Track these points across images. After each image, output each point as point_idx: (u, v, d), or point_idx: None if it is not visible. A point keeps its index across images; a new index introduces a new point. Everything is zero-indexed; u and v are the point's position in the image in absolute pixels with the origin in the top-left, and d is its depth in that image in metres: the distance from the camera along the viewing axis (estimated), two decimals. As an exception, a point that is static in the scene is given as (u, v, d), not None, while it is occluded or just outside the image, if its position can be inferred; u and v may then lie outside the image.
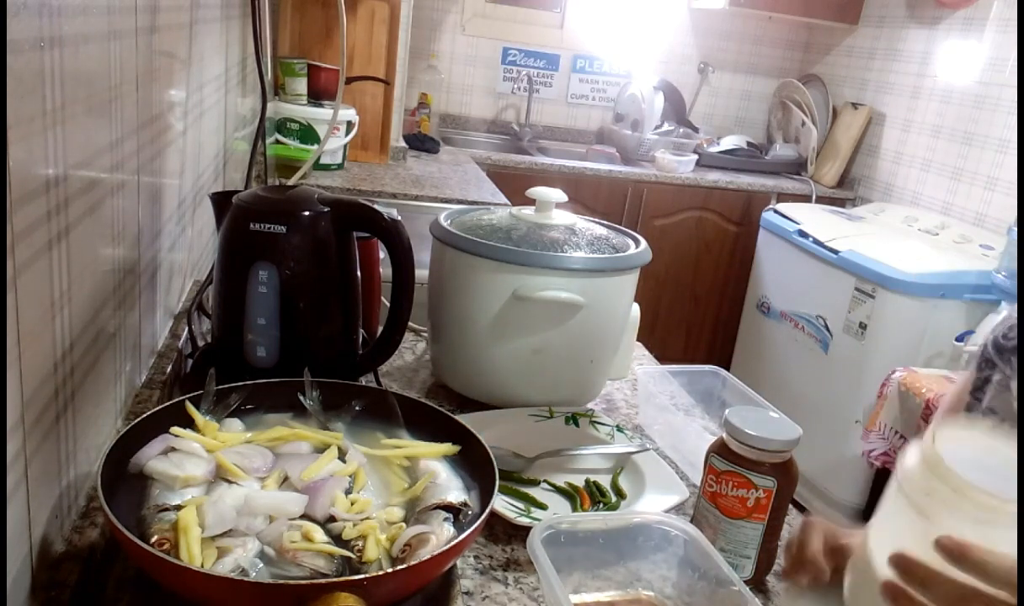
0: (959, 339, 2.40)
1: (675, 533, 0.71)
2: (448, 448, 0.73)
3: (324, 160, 2.32)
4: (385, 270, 0.97)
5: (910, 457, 0.52)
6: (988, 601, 0.45)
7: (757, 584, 0.77)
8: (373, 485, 0.69)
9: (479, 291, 0.98)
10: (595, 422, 1.00)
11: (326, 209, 0.86)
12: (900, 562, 0.48)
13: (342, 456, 0.71)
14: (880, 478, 2.40)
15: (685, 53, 3.75)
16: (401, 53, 2.55)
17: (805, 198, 3.31)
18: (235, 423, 0.74)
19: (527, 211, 1.05)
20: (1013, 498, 0.47)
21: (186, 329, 1.00)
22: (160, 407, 0.72)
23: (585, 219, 1.08)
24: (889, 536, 0.52)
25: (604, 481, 0.89)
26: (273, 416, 0.77)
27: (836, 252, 2.62)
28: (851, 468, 2.51)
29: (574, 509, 0.84)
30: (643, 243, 1.04)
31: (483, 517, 0.62)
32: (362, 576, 0.55)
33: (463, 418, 0.77)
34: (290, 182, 1.79)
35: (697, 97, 3.82)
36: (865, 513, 2.52)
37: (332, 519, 0.63)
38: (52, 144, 0.54)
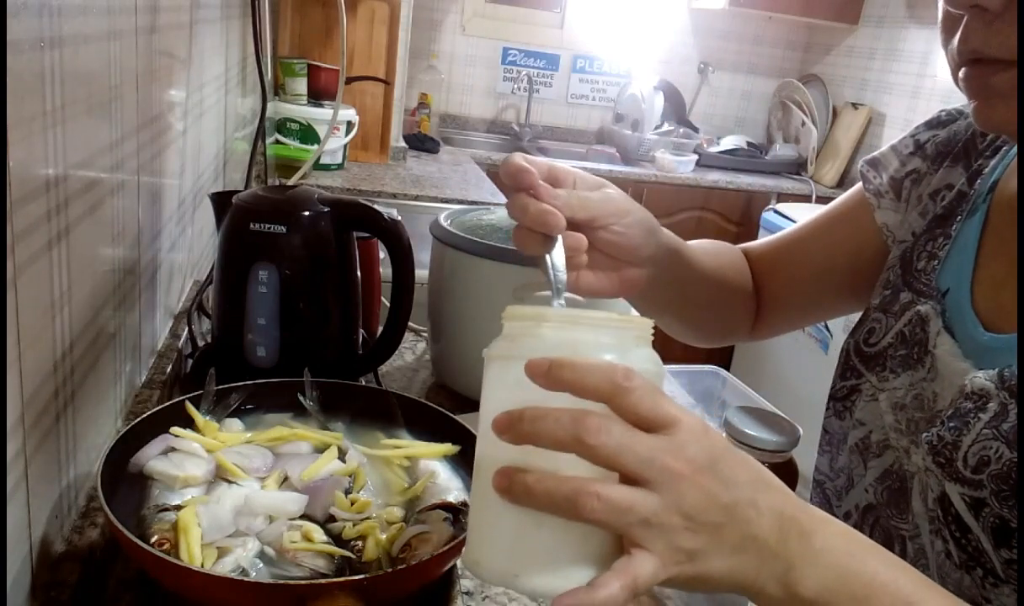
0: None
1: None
2: (448, 448, 0.73)
3: (324, 160, 2.32)
4: (385, 270, 0.97)
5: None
6: (601, 417, 0.41)
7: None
8: (373, 485, 0.69)
9: (479, 291, 0.98)
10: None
11: (326, 209, 0.86)
12: (501, 422, 0.41)
13: (342, 456, 0.71)
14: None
15: (685, 53, 3.75)
16: (401, 53, 2.55)
17: (805, 198, 3.31)
18: (235, 423, 0.74)
19: (527, 211, 1.05)
20: (591, 311, 0.44)
21: (186, 329, 1.00)
22: (160, 407, 0.71)
23: (585, 219, 1.08)
24: (489, 417, 0.44)
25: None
26: (273, 416, 0.77)
27: (836, 252, 2.62)
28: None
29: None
30: (643, 243, 1.04)
31: (483, 517, 0.62)
32: (362, 576, 0.55)
33: (463, 418, 0.76)
34: (290, 182, 1.79)
35: (697, 97, 3.82)
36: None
37: (332, 519, 0.63)
38: (52, 144, 0.54)
